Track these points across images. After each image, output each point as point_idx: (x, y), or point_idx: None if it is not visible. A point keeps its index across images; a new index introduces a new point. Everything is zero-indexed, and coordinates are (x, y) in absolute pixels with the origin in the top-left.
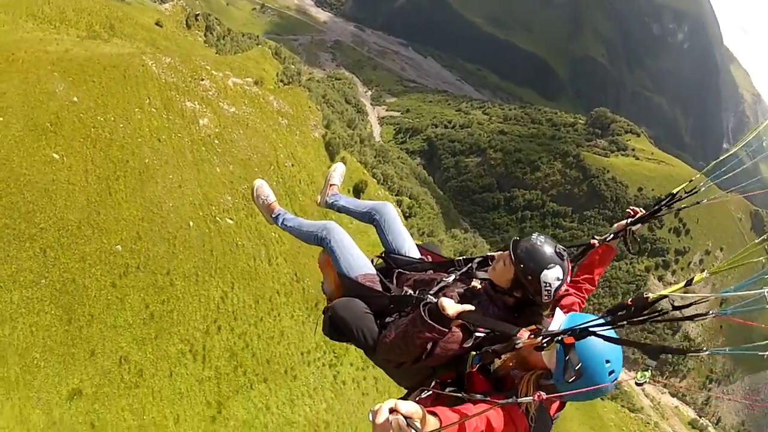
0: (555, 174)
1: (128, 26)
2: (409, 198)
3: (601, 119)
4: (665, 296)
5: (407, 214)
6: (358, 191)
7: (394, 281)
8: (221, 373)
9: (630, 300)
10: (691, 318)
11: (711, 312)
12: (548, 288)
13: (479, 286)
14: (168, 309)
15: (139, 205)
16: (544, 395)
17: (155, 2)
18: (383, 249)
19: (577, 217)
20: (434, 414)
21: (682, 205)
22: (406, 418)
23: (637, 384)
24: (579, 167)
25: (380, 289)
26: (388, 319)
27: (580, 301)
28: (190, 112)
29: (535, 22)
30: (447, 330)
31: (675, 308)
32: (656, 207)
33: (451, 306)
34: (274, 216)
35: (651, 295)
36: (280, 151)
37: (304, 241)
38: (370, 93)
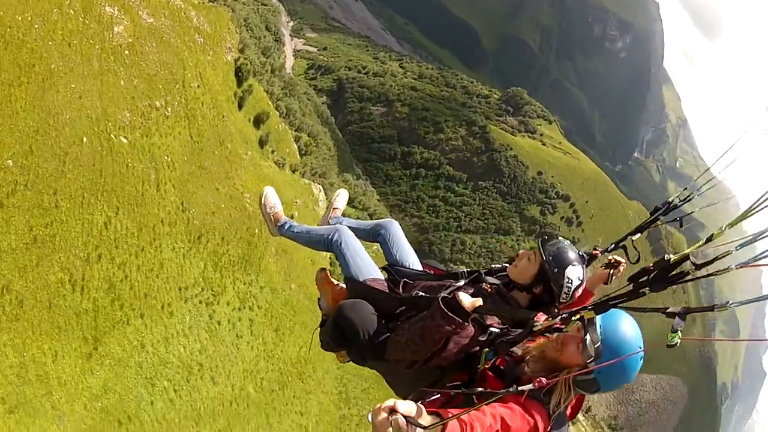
0: (458, 140)
1: None
2: (308, 136)
3: (516, 98)
4: (687, 256)
5: (303, 152)
6: (258, 121)
7: (400, 289)
8: (99, 306)
9: (652, 264)
10: (714, 274)
11: (733, 265)
12: (569, 284)
13: (489, 289)
14: (51, 233)
15: (36, 115)
16: (544, 380)
17: None
18: (387, 263)
19: (471, 186)
20: (436, 414)
21: (677, 216)
22: (405, 417)
23: (669, 346)
24: (483, 139)
25: (389, 293)
26: (395, 323)
27: None
28: (107, 17)
29: None
30: (465, 323)
31: (698, 266)
32: (654, 217)
33: (467, 299)
34: (279, 224)
35: (672, 257)
36: (189, 70)
37: (311, 247)
38: (291, 24)
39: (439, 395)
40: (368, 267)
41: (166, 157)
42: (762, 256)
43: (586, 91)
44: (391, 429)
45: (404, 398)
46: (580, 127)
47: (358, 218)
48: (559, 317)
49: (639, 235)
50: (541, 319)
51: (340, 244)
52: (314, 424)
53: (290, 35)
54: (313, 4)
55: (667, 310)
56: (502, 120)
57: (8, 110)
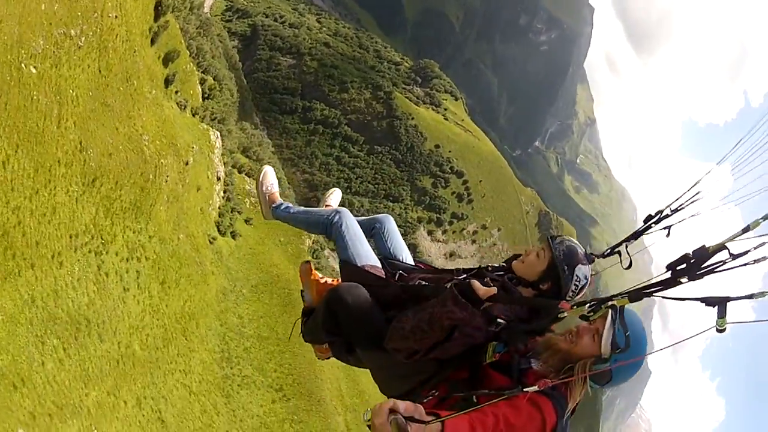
0: (360, 102)
1: None
2: (214, 79)
3: (426, 70)
4: (725, 245)
5: (206, 96)
6: (168, 60)
7: (397, 279)
8: None
9: (691, 252)
10: (750, 263)
11: None
12: (578, 282)
13: (494, 283)
14: None
15: None
16: (549, 382)
17: None
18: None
19: (366, 149)
20: (433, 414)
21: (671, 223)
22: (405, 417)
23: (719, 331)
24: (386, 104)
25: (389, 279)
26: (394, 311)
27: None
28: None
29: None
30: (478, 311)
31: (735, 256)
32: (647, 224)
33: (481, 288)
34: (275, 206)
35: (711, 246)
36: None
37: (307, 228)
38: None
39: (431, 396)
40: (367, 253)
41: (71, 91)
42: None
43: (498, 75)
44: (391, 429)
45: (396, 395)
46: (486, 108)
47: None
48: (588, 305)
49: (634, 240)
50: (567, 306)
51: (341, 225)
52: (197, 384)
53: None
54: None
55: (707, 299)
56: (408, 89)
57: None
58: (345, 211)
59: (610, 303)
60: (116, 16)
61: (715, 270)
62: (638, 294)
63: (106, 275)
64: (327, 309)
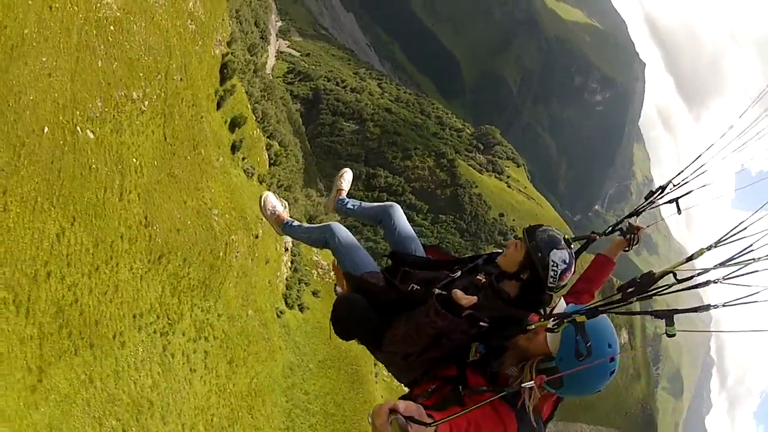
0: (424, 169)
1: None
2: (279, 145)
3: (488, 137)
4: (671, 271)
5: (272, 162)
6: (234, 125)
7: (399, 279)
8: (45, 332)
9: (638, 277)
10: (695, 287)
11: (713, 280)
12: (555, 268)
13: (483, 279)
14: None
15: None
16: (545, 377)
17: None
18: (390, 249)
19: (431, 218)
20: (429, 415)
21: (672, 197)
22: (406, 417)
23: (669, 336)
24: (449, 172)
25: (385, 286)
26: (394, 315)
27: None
28: None
29: (467, 27)
30: (459, 319)
31: (680, 281)
32: (649, 200)
33: (462, 297)
34: (283, 224)
35: (656, 272)
36: (175, 60)
37: (312, 245)
38: (280, 24)
39: (430, 392)
40: (364, 261)
41: (134, 160)
42: (738, 275)
43: (556, 138)
44: (391, 429)
45: (407, 384)
46: (545, 172)
47: (361, 201)
48: (551, 320)
49: (636, 217)
50: (535, 319)
51: (335, 241)
52: None
53: (276, 35)
54: (306, 8)
55: (656, 311)
56: (471, 156)
57: None
58: (335, 225)
59: (569, 319)
60: (181, 79)
61: (661, 293)
62: (594, 311)
63: (172, 356)
64: (333, 318)
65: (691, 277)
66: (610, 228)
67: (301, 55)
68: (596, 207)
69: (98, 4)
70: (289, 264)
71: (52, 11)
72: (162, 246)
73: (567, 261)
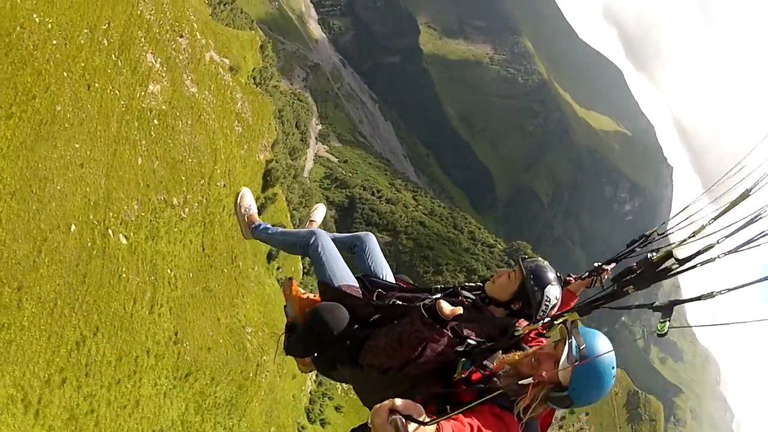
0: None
1: None
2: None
3: (520, 252)
4: (671, 253)
5: (306, 271)
6: None
7: (375, 298)
8: None
9: (635, 264)
10: (700, 265)
11: (718, 254)
12: (547, 302)
13: (466, 302)
14: (6, 338)
15: (19, 171)
16: (545, 374)
17: None
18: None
19: None
20: (430, 417)
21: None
22: (405, 417)
23: (659, 335)
24: None
25: (364, 299)
26: (371, 329)
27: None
28: (146, 68)
29: (501, 140)
30: (444, 330)
31: (680, 261)
32: (630, 248)
33: (448, 307)
34: (253, 226)
35: (655, 255)
36: (220, 164)
37: (285, 249)
38: (320, 128)
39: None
40: (343, 273)
41: (169, 271)
42: (739, 248)
43: (586, 251)
44: (391, 428)
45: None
46: None
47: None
48: (542, 322)
49: (613, 265)
50: (522, 324)
51: (317, 247)
52: None
53: (316, 138)
54: (345, 114)
55: (654, 305)
56: None
57: None
58: (321, 232)
59: (561, 319)
60: (224, 185)
61: (664, 277)
62: (587, 308)
63: None
64: (308, 327)
65: (693, 256)
66: (587, 272)
67: (339, 161)
68: (623, 318)
69: (142, 93)
70: (314, 377)
71: (91, 92)
72: (191, 364)
73: (558, 297)
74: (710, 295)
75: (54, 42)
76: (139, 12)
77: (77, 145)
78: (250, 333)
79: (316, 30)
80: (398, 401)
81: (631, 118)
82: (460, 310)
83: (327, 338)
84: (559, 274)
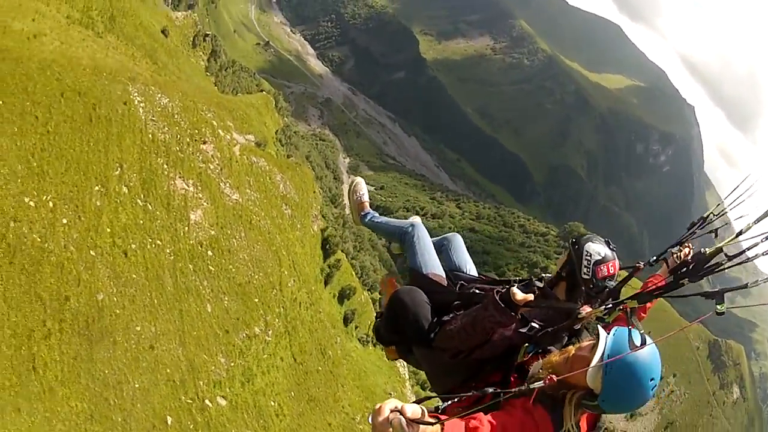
0: None
1: (130, 24)
2: (380, 294)
3: (574, 234)
4: (721, 249)
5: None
6: (343, 297)
7: (457, 288)
8: None
9: (690, 257)
10: (744, 262)
11: (761, 252)
12: (588, 257)
13: (538, 287)
14: None
15: (85, 390)
16: (554, 377)
17: (168, 5)
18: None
19: None
20: (436, 417)
21: (715, 227)
22: (407, 419)
23: (718, 314)
24: None
25: (449, 286)
26: (448, 316)
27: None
28: (179, 198)
29: (524, 125)
30: (515, 315)
31: (730, 257)
32: (690, 231)
33: (520, 294)
34: (363, 214)
35: (708, 250)
36: (285, 263)
37: (386, 236)
38: (348, 161)
39: (470, 394)
40: (433, 263)
41: (272, 403)
42: None
43: (634, 213)
44: (391, 429)
45: (441, 391)
46: (631, 251)
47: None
48: (604, 306)
49: (678, 247)
50: (586, 309)
51: (413, 236)
52: None
53: (347, 172)
54: (368, 140)
55: (707, 292)
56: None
57: (34, 388)
58: (419, 223)
59: (621, 306)
60: (294, 280)
61: (714, 271)
62: (646, 296)
63: None
64: (389, 308)
65: (741, 253)
66: (655, 258)
67: (375, 188)
68: None
69: (186, 229)
70: None
71: (129, 258)
72: None
73: (602, 253)
74: (755, 284)
75: (64, 221)
76: (150, 136)
77: (138, 328)
78: (360, 420)
79: (317, 65)
80: (401, 403)
81: (642, 70)
82: (530, 296)
83: (403, 319)
84: (608, 241)
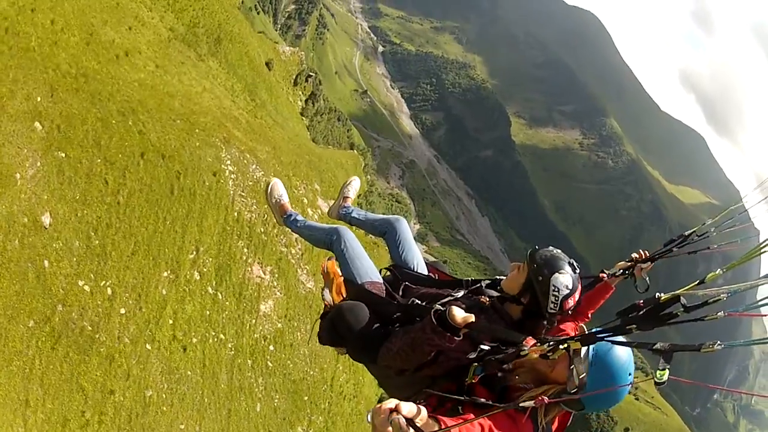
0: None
1: (236, 51)
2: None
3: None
4: (678, 297)
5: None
6: None
7: (400, 293)
8: None
9: (641, 301)
10: (703, 319)
11: (722, 311)
12: (556, 293)
13: (487, 301)
14: None
15: None
16: (546, 399)
17: (277, 28)
18: (392, 262)
19: None
20: (435, 418)
21: (692, 250)
22: (406, 419)
23: (657, 384)
24: None
25: (387, 298)
26: (390, 328)
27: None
28: (253, 287)
29: (597, 227)
30: (456, 337)
31: (687, 309)
32: (667, 248)
33: (460, 314)
34: (285, 216)
35: (663, 296)
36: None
37: (312, 243)
38: (418, 227)
39: (427, 402)
40: (367, 270)
41: None
42: (753, 306)
43: (681, 333)
44: (391, 429)
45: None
46: (671, 369)
47: (366, 211)
48: (547, 344)
49: (649, 264)
50: (530, 343)
51: (341, 245)
52: None
53: (415, 239)
54: (442, 211)
55: (654, 347)
56: None
57: None
58: (344, 229)
59: (564, 345)
60: (346, 373)
61: (666, 322)
62: (589, 338)
63: None
64: (332, 324)
65: (702, 305)
66: (621, 270)
67: (439, 261)
68: (715, 396)
69: (253, 321)
70: None
71: (187, 353)
72: None
73: (570, 286)
74: (711, 347)
75: (122, 311)
76: (236, 214)
77: (182, 426)
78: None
79: (408, 125)
80: (401, 403)
81: (718, 187)
82: (472, 317)
83: (347, 337)
84: (572, 262)
